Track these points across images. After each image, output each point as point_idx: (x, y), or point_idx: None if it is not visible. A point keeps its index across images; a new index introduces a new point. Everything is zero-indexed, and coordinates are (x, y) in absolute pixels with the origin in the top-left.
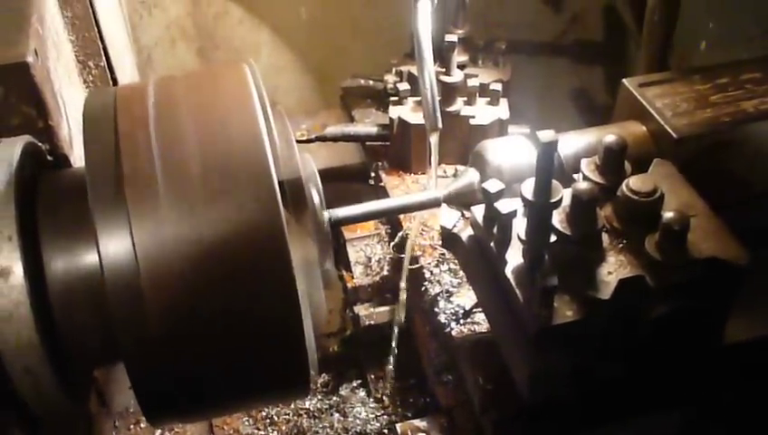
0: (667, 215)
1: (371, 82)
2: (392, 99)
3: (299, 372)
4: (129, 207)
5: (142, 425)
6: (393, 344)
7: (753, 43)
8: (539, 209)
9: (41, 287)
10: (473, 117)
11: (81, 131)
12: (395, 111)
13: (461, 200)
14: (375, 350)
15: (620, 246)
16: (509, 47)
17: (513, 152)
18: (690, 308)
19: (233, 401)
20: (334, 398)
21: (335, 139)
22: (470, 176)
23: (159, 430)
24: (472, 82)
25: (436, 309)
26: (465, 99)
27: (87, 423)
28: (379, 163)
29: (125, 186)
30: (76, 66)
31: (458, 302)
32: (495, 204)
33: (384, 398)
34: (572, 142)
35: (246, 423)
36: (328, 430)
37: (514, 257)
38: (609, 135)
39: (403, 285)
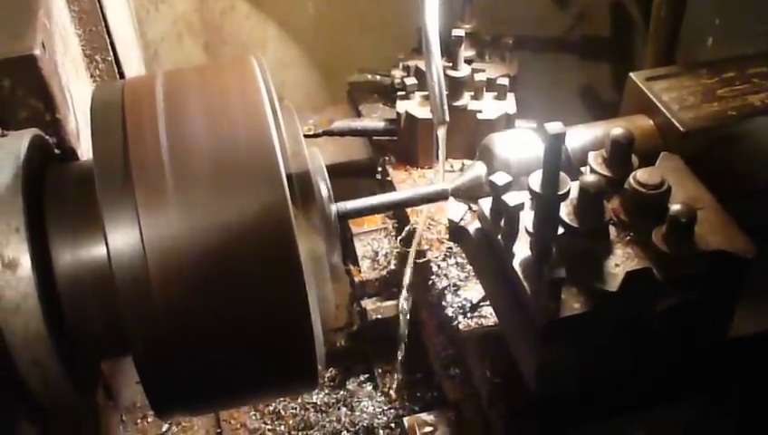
0: (675, 207)
1: (378, 77)
2: (399, 93)
3: (307, 366)
4: (137, 200)
5: (149, 419)
6: (400, 338)
7: (759, 39)
8: (546, 201)
9: (48, 279)
10: (480, 111)
11: (88, 125)
12: (402, 106)
13: (468, 194)
14: (382, 344)
15: (628, 238)
16: (516, 43)
17: (520, 145)
18: (697, 301)
19: (240, 394)
20: (341, 392)
21: (342, 133)
22: (477, 169)
23: (167, 425)
24: (479, 77)
25: (443, 303)
26: (472, 93)
27: (94, 417)
28: (386, 158)
29: (133, 178)
30: (83, 60)
31: (466, 295)
32: (503, 196)
33: (391, 392)
34: (579, 136)
35: (253, 417)
36: (335, 424)
37: (522, 250)
38: (616, 128)
39: (407, 279)
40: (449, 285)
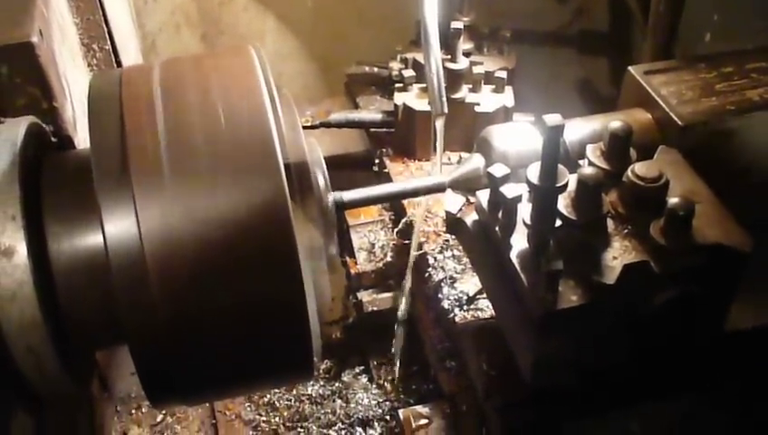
0: (673, 201)
1: (376, 70)
2: (397, 86)
3: (303, 355)
4: (134, 188)
5: (144, 410)
6: (396, 331)
7: (757, 36)
8: (544, 193)
9: (44, 267)
10: (478, 104)
11: (85, 114)
12: (400, 98)
13: (466, 185)
14: (378, 336)
15: (625, 231)
16: (514, 37)
17: (518, 138)
18: (694, 294)
19: (236, 384)
20: (336, 384)
21: (339, 125)
22: (475, 161)
23: (161, 415)
24: (477, 70)
25: (439, 295)
26: (471, 86)
27: (89, 408)
28: (384, 150)
29: (130, 167)
30: (81, 49)
31: (462, 288)
32: (501, 188)
33: (386, 384)
34: (578, 129)
35: (248, 409)
36: (330, 415)
37: (519, 242)
38: (614, 121)
39: (409, 272)
40: (446, 277)
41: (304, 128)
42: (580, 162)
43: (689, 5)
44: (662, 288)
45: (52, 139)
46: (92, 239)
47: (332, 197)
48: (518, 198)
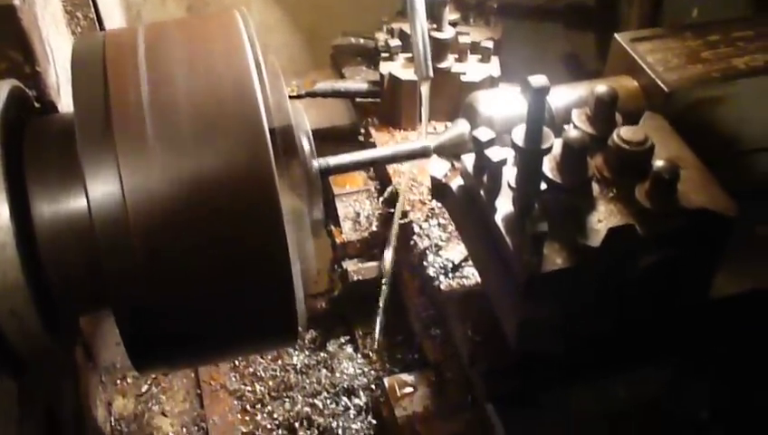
0: (658, 163)
1: (362, 40)
2: (383, 55)
3: (287, 318)
4: (117, 150)
5: (129, 380)
6: (381, 300)
7: (745, 13)
8: (529, 156)
9: (27, 229)
10: (464, 74)
11: (69, 81)
12: (385, 67)
13: (451, 151)
14: (363, 306)
15: (611, 195)
16: (500, 10)
17: (504, 104)
18: (679, 258)
19: (220, 346)
20: (322, 354)
21: (325, 95)
22: (461, 126)
23: (146, 385)
24: (463, 40)
25: (424, 263)
26: (457, 56)
27: (74, 378)
28: (369, 120)
29: (114, 129)
30: (64, 17)
31: (447, 256)
32: (486, 152)
33: (371, 354)
34: (563, 95)
35: (233, 379)
36: (315, 385)
37: (504, 206)
38: (600, 86)
39: (393, 239)
40: (431, 245)
41: (290, 98)
42: (566, 127)
43: None
44: (647, 252)
45: (36, 104)
46: (76, 202)
47: (317, 161)
48: (503, 162)
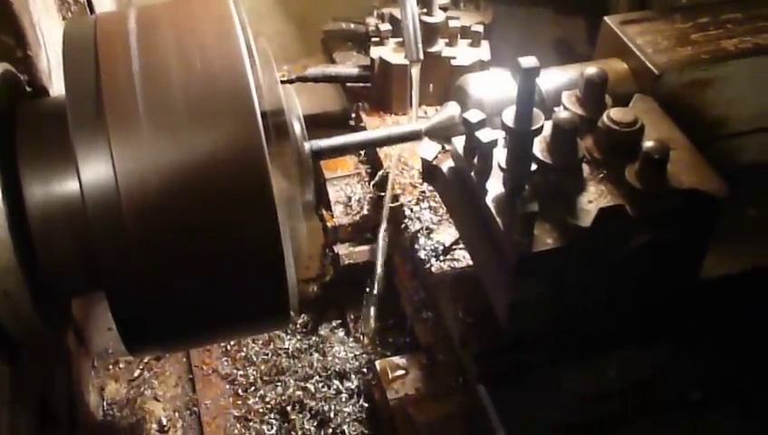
0: (648, 144)
1: (353, 26)
2: (373, 39)
3: (279, 299)
4: (109, 133)
5: (121, 365)
6: (374, 284)
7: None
8: (520, 136)
9: (20, 212)
10: (454, 58)
11: (60, 66)
12: (376, 52)
13: (442, 133)
14: (355, 290)
15: (601, 176)
16: None
17: (494, 86)
18: (669, 239)
19: (213, 328)
20: (313, 338)
21: (316, 79)
22: (451, 109)
23: (138, 370)
24: (453, 24)
25: (416, 246)
26: (447, 40)
27: (66, 363)
28: (360, 104)
29: (105, 111)
30: (55, 2)
31: (438, 238)
32: (476, 133)
33: (363, 337)
34: (554, 78)
35: (225, 363)
36: (307, 369)
37: (495, 187)
38: (590, 68)
39: (384, 223)
40: (422, 228)
41: (281, 82)
42: (556, 109)
43: None
44: (637, 232)
45: (27, 88)
46: (68, 184)
47: (308, 144)
48: (494, 143)
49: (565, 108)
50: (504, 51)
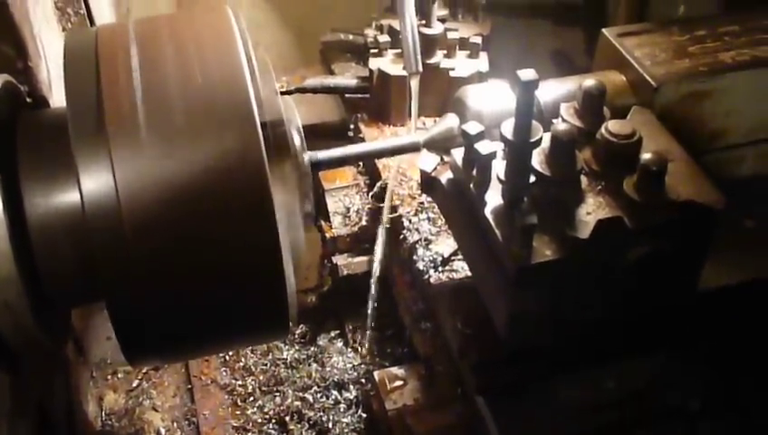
0: (646, 156)
1: (351, 37)
2: (372, 51)
3: (279, 310)
4: (110, 145)
5: (120, 376)
6: (371, 294)
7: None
8: (519, 148)
9: (20, 223)
10: (452, 69)
11: (60, 77)
12: (375, 63)
13: (441, 145)
14: (353, 300)
15: (599, 188)
16: (489, 7)
17: (493, 98)
18: (667, 250)
19: (213, 339)
20: (312, 348)
21: (315, 90)
22: (450, 120)
23: (137, 380)
24: (452, 36)
25: (414, 257)
26: (445, 52)
27: (65, 373)
28: (359, 115)
29: (106, 123)
30: (55, 12)
31: (437, 250)
32: (475, 145)
33: (361, 348)
34: (552, 90)
35: (224, 373)
36: (306, 379)
37: (494, 199)
38: (588, 80)
39: (381, 233)
40: (420, 239)
41: (280, 93)
42: (555, 121)
43: None
44: (635, 244)
45: (27, 99)
46: (69, 196)
47: (308, 155)
48: (492, 155)
49: (563, 120)
50: (503, 62)
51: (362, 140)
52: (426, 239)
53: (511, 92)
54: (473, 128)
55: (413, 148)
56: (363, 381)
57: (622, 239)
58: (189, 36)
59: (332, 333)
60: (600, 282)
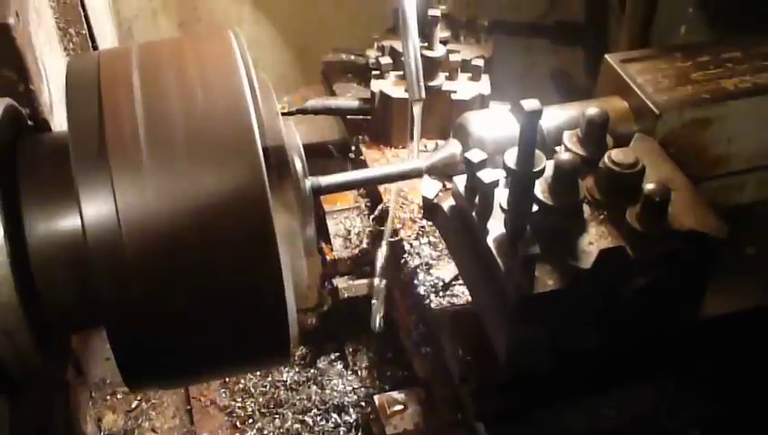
0: (649, 186)
1: (353, 57)
2: (374, 73)
3: (280, 338)
4: (112, 171)
5: (119, 396)
6: (373, 318)
7: (730, 28)
8: (522, 178)
9: (21, 249)
10: (454, 92)
11: (62, 99)
12: (376, 85)
13: (443, 171)
14: (353, 323)
15: (601, 217)
16: (491, 26)
17: (495, 124)
18: (669, 280)
19: (211, 366)
20: (312, 370)
21: (316, 111)
22: (452, 147)
23: (136, 401)
24: (454, 58)
25: (415, 281)
26: (447, 74)
27: (64, 393)
28: (360, 137)
29: (108, 149)
30: (57, 33)
31: (438, 274)
32: (478, 173)
33: (362, 371)
34: (554, 116)
35: (223, 395)
36: (305, 402)
37: (496, 227)
38: (591, 108)
39: (382, 256)
40: (421, 263)
41: (281, 114)
42: (557, 149)
43: None
44: (638, 274)
45: (29, 122)
46: (70, 222)
47: (310, 181)
48: (495, 183)
49: (566, 148)
50: (504, 81)
51: (363, 161)
52: (427, 264)
53: (513, 118)
54: (475, 156)
55: (415, 174)
56: (363, 404)
57: (624, 269)
58: (191, 62)
59: (332, 356)
60: (602, 311)
